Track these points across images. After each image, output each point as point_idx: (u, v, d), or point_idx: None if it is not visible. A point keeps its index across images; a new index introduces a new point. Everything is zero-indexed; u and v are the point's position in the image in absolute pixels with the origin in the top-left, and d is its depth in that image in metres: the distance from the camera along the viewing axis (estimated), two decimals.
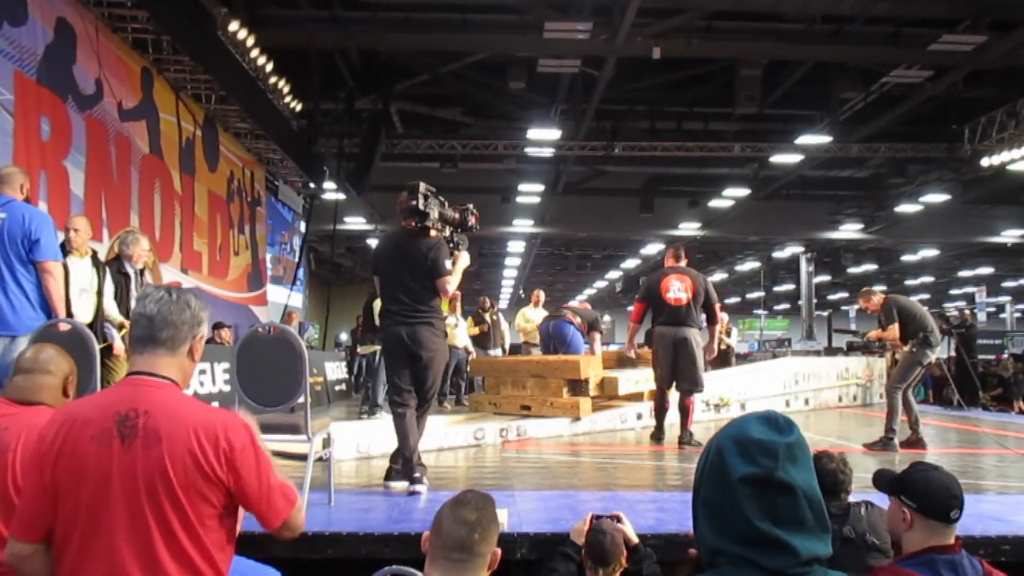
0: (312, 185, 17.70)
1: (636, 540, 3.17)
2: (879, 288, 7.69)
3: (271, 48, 12.04)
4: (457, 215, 5.22)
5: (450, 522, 2.19)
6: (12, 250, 4.79)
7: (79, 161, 8.83)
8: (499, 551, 2.24)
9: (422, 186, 4.95)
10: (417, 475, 4.81)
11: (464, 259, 5.20)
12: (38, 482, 2.01)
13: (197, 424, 2.01)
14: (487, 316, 12.37)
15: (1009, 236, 23.90)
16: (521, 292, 40.72)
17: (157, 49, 10.56)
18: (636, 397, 9.20)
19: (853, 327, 37.66)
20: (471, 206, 5.35)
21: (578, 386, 8.56)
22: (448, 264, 4.98)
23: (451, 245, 5.15)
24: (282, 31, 12.52)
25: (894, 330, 7.29)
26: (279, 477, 2.15)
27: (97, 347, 4.15)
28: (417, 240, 4.99)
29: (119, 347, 5.82)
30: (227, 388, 8.81)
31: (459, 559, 2.14)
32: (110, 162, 9.60)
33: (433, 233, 5.04)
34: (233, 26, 10.61)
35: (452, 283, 5.03)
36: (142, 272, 6.40)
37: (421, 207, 4.92)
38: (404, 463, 4.93)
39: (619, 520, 3.21)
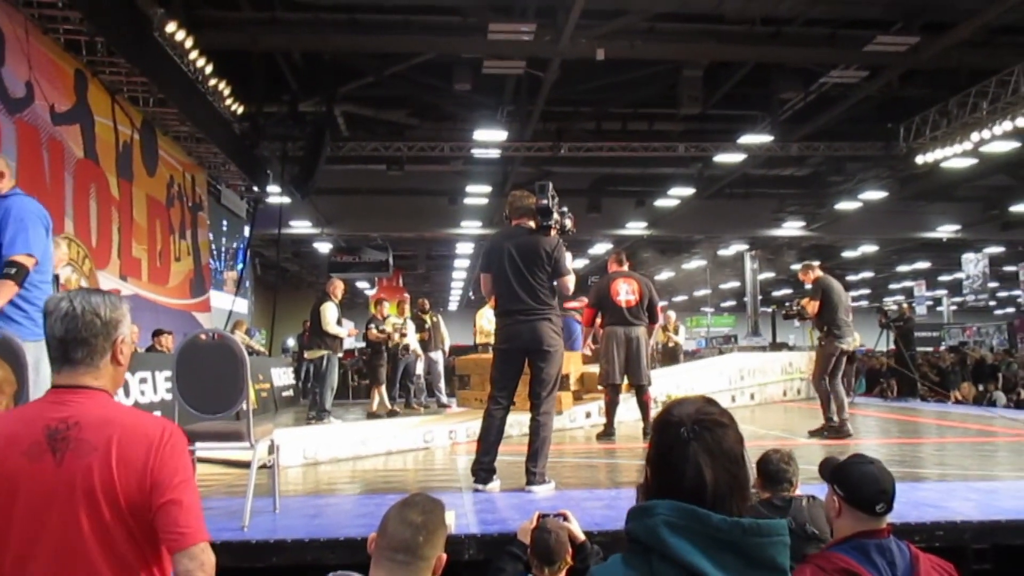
0: (256, 189, 17.42)
1: (583, 538, 3.18)
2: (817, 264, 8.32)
3: (211, 50, 11.80)
4: (559, 217, 5.29)
5: (396, 523, 2.17)
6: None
7: (10, 166, 8.55)
8: (444, 556, 2.22)
9: (550, 186, 5.13)
10: (537, 478, 4.90)
11: (570, 259, 5.34)
12: None
13: (132, 428, 1.94)
14: (427, 318, 12.34)
15: (944, 231, 24.61)
16: (471, 294, 40.65)
17: (91, 51, 10.29)
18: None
19: (796, 323, 38.34)
20: (567, 209, 5.41)
21: (560, 381, 8.74)
22: (568, 264, 5.14)
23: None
24: (222, 33, 12.28)
25: (814, 307, 7.91)
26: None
27: (27, 357, 4.01)
28: (538, 239, 5.11)
29: None
30: (169, 397, 8.61)
31: (403, 561, 2.13)
32: (43, 167, 9.33)
33: (553, 233, 5.14)
34: (171, 27, 10.38)
35: (571, 282, 5.22)
36: (56, 278, 6.20)
37: (551, 207, 5.08)
38: (479, 465, 4.99)
39: (565, 518, 3.22)
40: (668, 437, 1.58)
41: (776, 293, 41.11)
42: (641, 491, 1.64)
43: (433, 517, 2.23)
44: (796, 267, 31.65)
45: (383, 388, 11.35)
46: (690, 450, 1.54)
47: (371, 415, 10.84)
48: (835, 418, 7.72)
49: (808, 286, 8.19)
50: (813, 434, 7.73)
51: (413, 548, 2.14)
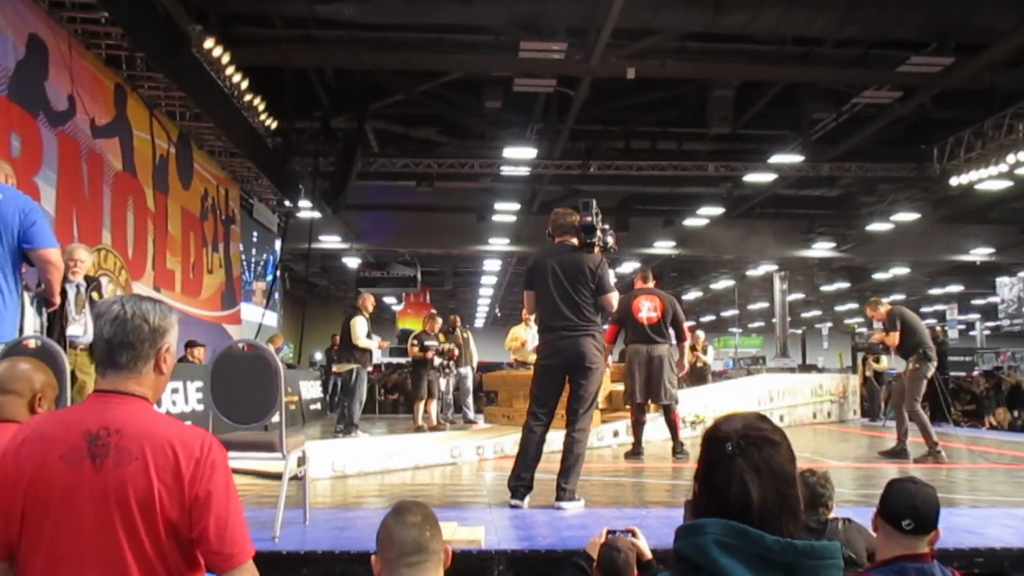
0: (287, 203, 17.59)
1: (649, 555, 3.14)
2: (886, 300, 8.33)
3: (246, 66, 11.99)
4: (601, 234, 5.34)
5: (399, 529, 2.20)
6: (7, 239, 3.99)
7: (50, 178, 8.72)
8: (449, 549, 2.26)
9: (594, 203, 5.19)
10: (567, 495, 4.90)
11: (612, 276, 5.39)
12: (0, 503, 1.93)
13: (173, 438, 1.92)
14: (458, 334, 12.38)
15: (978, 254, 24.21)
16: (497, 311, 40.66)
17: (131, 66, 10.47)
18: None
19: (825, 345, 38.08)
20: (608, 226, 5.44)
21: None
22: (611, 281, 5.20)
23: None
24: (257, 50, 12.45)
25: (895, 338, 7.79)
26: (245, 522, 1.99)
27: (67, 363, 4.07)
28: (582, 256, 5.16)
29: None
30: (200, 407, 8.70)
31: (417, 561, 2.15)
32: (82, 179, 9.49)
33: (596, 250, 5.20)
34: (208, 43, 10.55)
35: (615, 299, 5.27)
36: (90, 283, 6.19)
37: (595, 224, 5.13)
38: (519, 482, 4.98)
39: (634, 534, 3.19)
40: (714, 452, 1.56)
41: (805, 314, 40.75)
42: (689, 508, 1.62)
43: (429, 514, 2.27)
44: (826, 288, 31.34)
45: (433, 403, 11.43)
46: (735, 466, 1.51)
47: (433, 428, 10.95)
48: (936, 442, 7.72)
49: (877, 321, 8.19)
50: (928, 456, 7.67)
51: (423, 545, 2.17)
